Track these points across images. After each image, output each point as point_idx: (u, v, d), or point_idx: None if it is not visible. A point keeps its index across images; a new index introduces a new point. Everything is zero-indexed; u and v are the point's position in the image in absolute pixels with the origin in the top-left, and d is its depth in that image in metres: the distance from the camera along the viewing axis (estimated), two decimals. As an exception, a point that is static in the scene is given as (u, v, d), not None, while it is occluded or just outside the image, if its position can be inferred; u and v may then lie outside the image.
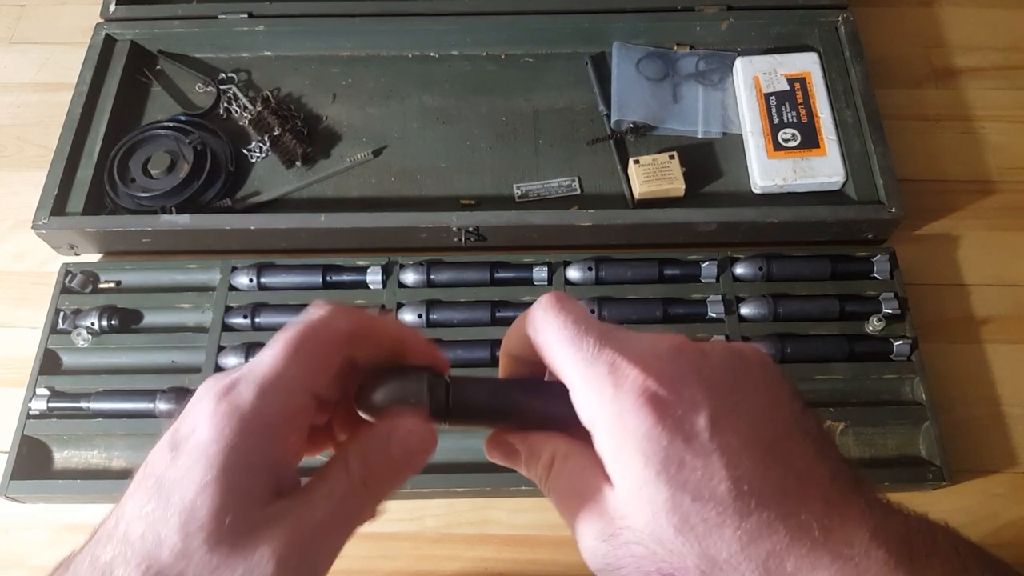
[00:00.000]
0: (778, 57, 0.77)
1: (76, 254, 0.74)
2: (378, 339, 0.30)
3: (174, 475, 0.24)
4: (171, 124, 0.76)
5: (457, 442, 0.61)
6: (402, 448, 0.28)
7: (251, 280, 0.69)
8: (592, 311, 0.67)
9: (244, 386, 0.26)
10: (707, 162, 0.76)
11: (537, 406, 0.30)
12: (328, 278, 0.70)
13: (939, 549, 0.25)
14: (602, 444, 0.26)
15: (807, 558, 0.23)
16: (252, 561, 0.23)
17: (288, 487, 0.26)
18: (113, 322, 0.68)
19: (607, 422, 0.26)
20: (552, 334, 0.27)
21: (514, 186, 0.75)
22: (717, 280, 0.69)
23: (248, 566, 0.23)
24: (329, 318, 0.28)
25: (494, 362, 0.66)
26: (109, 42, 0.80)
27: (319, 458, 0.30)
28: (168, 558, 0.23)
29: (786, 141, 0.73)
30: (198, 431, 0.25)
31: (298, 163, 0.76)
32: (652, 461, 0.24)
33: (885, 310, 0.66)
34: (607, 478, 0.26)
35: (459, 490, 0.61)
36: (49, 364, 0.67)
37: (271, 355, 0.27)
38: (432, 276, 0.69)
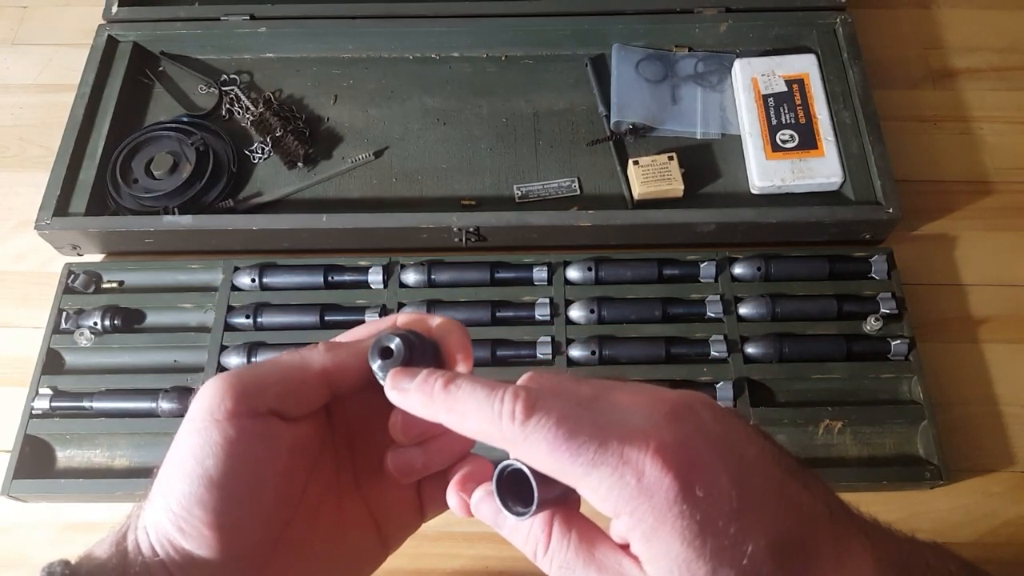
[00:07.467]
0: (776, 59, 0.78)
1: (79, 254, 0.74)
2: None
3: None
4: (173, 125, 0.77)
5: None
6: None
7: (253, 280, 0.70)
8: (592, 311, 0.67)
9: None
10: (706, 163, 0.76)
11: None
12: (330, 278, 0.70)
13: (933, 570, 0.26)
14: (630, 528, 0.25)
15: None
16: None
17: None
18: (116, 322, 0.68)
19: (631, 506, 0.25)
20: (544, 454, 0.26)
21: (514, 187, 0.75)
22: (716, 280, 0.69)
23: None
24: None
25: (494, 361, 0.66)
26: (111, 43, 0.81)
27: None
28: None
29: (784, 142, 0.74)
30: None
31: (300, 164, 0.77)
32: (687, 536, 0.24)
33: (883, 310, 0.67)
34: (619, 550, 0.27)
35: (460, 489, 0.61)
36: (52, 364, 0.68)
37: None
38: (433, 276, 0.69)
